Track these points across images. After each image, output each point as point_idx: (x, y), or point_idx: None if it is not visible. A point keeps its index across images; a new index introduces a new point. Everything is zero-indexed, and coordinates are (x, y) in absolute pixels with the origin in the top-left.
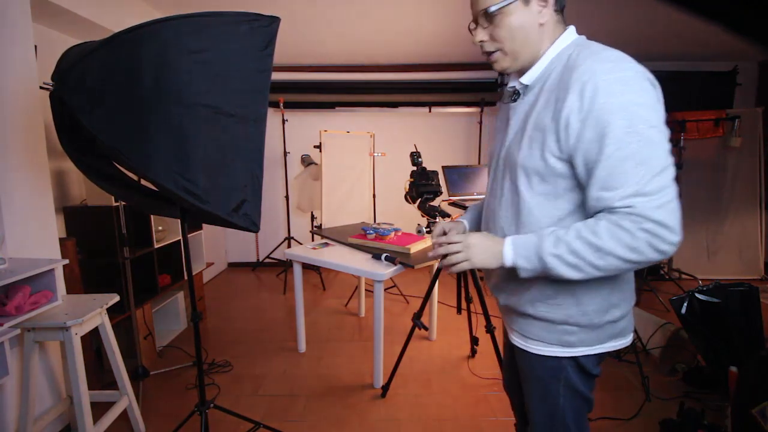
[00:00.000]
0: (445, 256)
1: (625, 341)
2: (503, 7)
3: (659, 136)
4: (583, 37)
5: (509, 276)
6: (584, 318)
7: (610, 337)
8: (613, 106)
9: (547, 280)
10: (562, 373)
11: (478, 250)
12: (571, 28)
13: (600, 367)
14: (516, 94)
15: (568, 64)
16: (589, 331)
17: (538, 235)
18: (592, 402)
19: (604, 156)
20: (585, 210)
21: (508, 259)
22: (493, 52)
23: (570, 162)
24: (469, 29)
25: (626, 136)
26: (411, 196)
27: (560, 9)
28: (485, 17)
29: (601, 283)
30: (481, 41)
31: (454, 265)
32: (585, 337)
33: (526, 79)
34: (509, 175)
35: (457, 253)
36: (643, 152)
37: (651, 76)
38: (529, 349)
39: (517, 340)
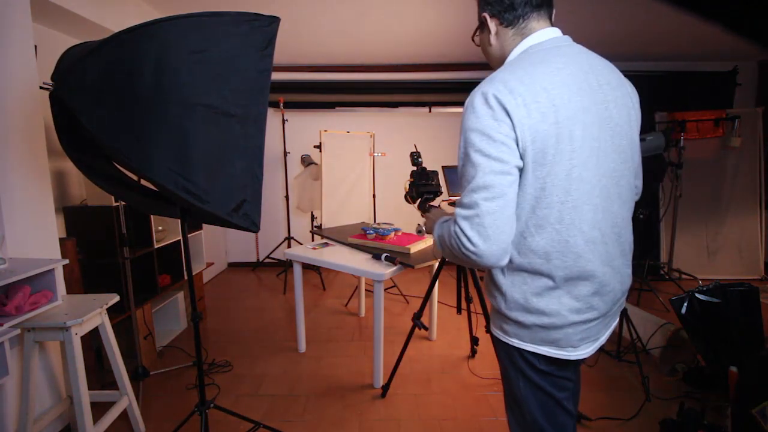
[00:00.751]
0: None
1: (565, 353)
2: (474, 35)
3: (481, 160)
4: (529, 47)
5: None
6: (511, 314)
7: (544, 342)
8: (462, 126)
9: (490, 274)
10: (516, 361)
11: (430, 222)
12: (527, 39)
13: (563, 370)
14: None
15: None
16: (518, 327)
17: (449, 217)
18: (561, 402)
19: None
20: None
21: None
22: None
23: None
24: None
25: (463, 154)
26: (411, 196)
27: (512, 21)
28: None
29: (523, 287)
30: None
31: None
32: (517, 332)
33: None
34: None
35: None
36: (468, 171)
37: (497, 105)
38: (492, 331)
39: (491, 326)
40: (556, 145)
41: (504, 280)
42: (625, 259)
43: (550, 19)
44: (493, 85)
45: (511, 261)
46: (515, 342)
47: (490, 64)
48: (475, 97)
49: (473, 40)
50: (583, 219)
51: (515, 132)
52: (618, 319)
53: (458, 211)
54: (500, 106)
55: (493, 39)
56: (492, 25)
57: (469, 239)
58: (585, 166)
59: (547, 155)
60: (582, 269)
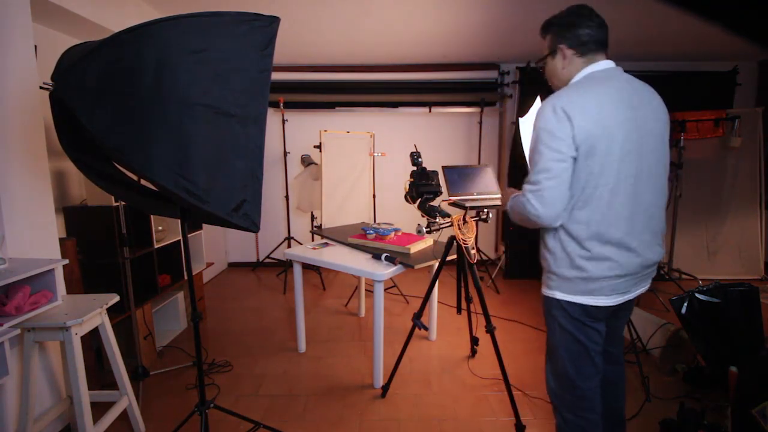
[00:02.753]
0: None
1: (597, 301)
2: (541, 62)
3: (544, 150)
4: (590, 72)
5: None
6: (558, 270)
7: (583, 292)
8: (535, 125)
9: (543, 242)
10: (555, 311)
11: (505, 198)
12: (591, 66)
13: (594, 321)
14: None
15: None
16: (561, 281)
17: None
18: (591, 352)
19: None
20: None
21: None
22: (551, 85)
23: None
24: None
25: (533, 145)
26: (411, 196)
27: (585, 52)
28: (540, 65)
29: (566, 249)
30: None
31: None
32: (560, 284)
33: None
34: None
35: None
36: (534, 158)
37: (561, 113)
38: (542, 291)
39: (542, 287)
40: (603, 144)
41: (554, 244)
42: (655, 238)
43: (606, 53)
44: (560, 99)
45: (563, 228)
46: (557, 294)
47: (552, 81)
48: (547, 107)
49: (538, 64)
50: (617, 200)
51: (573, 131)
52: (650, 283)
53: (527, 186)
54: (564, 113)
55: (566, 64)
56: (568, 54)
57: (533, 206)
58: (623, 161)
59: (595, 150)
60: (613, 236)
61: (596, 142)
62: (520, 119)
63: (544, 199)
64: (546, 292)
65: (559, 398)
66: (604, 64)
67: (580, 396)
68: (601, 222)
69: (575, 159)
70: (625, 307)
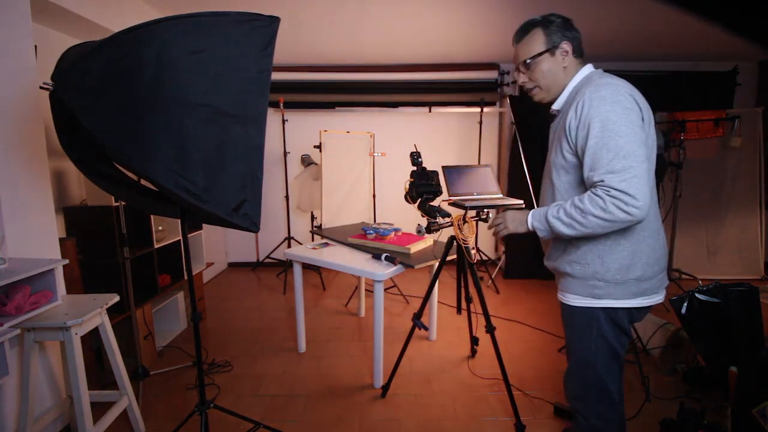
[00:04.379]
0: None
1: (650, 300)
2: (536, 58)
3: (627, 131)
4: (593, 71)
5: (554, 245)
6: (608, 274)
7: (635, 294)
8: (593, 114)
9: (578, 244)
10: (595, 322)
11: (511, 220)
12: (587, 66)
13: (631, 328)
14: (553, 117)
15: (575, 93)
16: (613, 286)
17: (549, 206)
18: (621, 359)
19: (588, 147)
20: None
21: (529, 224)
22: (532, 88)
23: (578, 155)
24: (513, 77)
25: (600, 133)
26: (411, 196)
27: (579, 54)
28: (524, 65)
29: (621, 247)
30: (523, 82)
31: (499, 232)
32: (611, 291)
33: (556, 105)
34: (549, 172)
35: (499, 224)
36: (611, 143)
37: (625, 94)
38: (567, 302)
39: (560, 296)
40: (648, 131)
41: (602, 247)
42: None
43: None
44: (616, 85)
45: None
46: (607, 303)
47: (546, 81)
48: (604, 91)
49: (527, 60)
50: (652, 186)
51: (642, 114)
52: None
53: (610, 177)
54: (631, 98)
55: (567, 62)
56: (569, 50)
57: (631, 196)
58: (652, 149)
59: (649, 139)
60: (658, 225)
61: (649, 130)
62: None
63: (641, 186)
64: (587, 302)
65: (588, 407)
66: (592, 67)
67: (608, 399)
68: (652, 211)
69: None
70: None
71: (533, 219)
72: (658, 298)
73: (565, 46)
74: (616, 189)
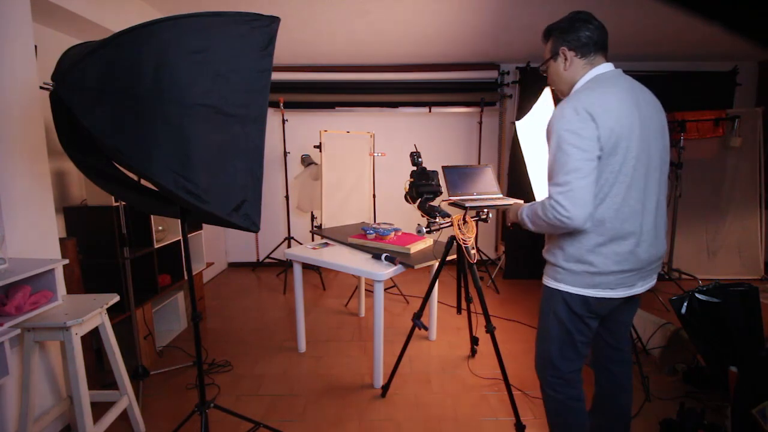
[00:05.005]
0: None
1: (604, 293)
2: (543, 65)
3: (572, 150)
4: (599, 74)
5: (546, 238)
6: (566, 264)
7: (587, 285)
8: (552, 130)
9: (550, 237)
10: (553, 301)
11: (512, 210)
12: (601, 66)
13: (590, 317)
14: None
15: None
16: (569, 274)
17: (530, 203)
18: (577, 345)
19: (548, 159)
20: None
21: (519, 216)
22: (554, 90)
23: None
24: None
25: (555, 148)
26: (411, 196)
27: (584, 54)
28: (543, 70)
29: (579, 244)
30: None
31: (508, 220)
32: (567, 278)
33: None
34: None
35: (507, 211)
36: (561, 159)
37: (583, 112)
38: (543, 282)
39: (543, 278)
40: (622, 142)
41: (567, 239)
42: (660, 233)
43: (606, 56)
44: (580, 101)
45: None
46: (561, 286)
47: (555, 85)
48: (567, 109)
49: (540, 68)
50: (631, 196)
51: (598, 131)
52: (655, 280)
53: (554, 188)
54: (587, 114)
55: (568, 66)
56: (569, 56)
57: (564, 208)
58: (638, 159)
59: (617, 149)
60: (625, 231)
61: (618, 140)
62: (518, 123)
63: (576, 199)
64: (549, 283)
65: (541, 375)
66: (607, 67)
67: (558, 375)
68: (615, 218)
69: (599, 158)
70: (631, 303)
71: (521, 213)
72: (611, 294)
73: (563, 51)
74: (555, 200)
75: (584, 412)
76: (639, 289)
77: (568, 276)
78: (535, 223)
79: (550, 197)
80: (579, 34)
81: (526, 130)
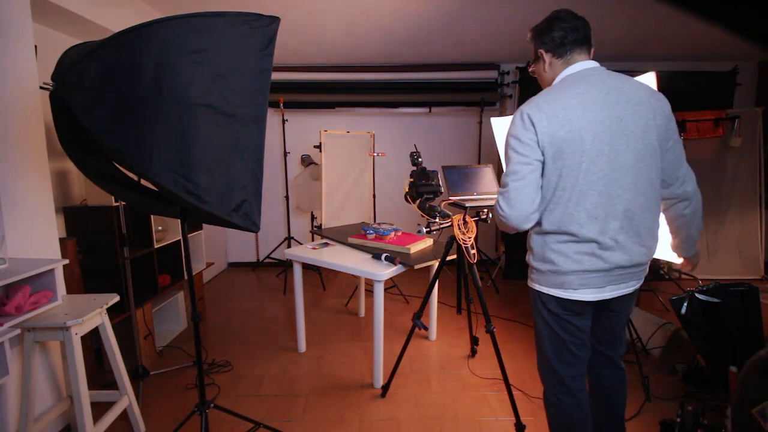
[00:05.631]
0: None
1: (569, 294)
2: (531, 66)
3: (513, 154)
4: (567, 76)
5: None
6: (535, 263)
7: (554, 285)
8: (507, 133)
9: (528, 237)
10: (535, 302)
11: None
12: (573, 66)
13: (569, 315)
14: None
15: None
16: (539, 274)
17: None
18: (568, 343)
19: None
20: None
21: None
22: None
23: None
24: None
25: (504, 151)
26: (411, 196)
27: (561, 54)
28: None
29: (540, 244)
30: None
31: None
32: (539, 278)
33: None
34: None
35: None
36: (506, 162)
37: (526, 118)
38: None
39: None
40: (569, 147)
41: (534, 240)
42: (638, 238)
43: (589, 52)
44: (528, 106)
45: (539, 225)
46: (536, 286)
47: (542, 85)
48: (516, 114)
49: (528, 68)
50: (587, 200)
51: (537, 137)
52: (634, 287)
53: (499, 189)
54: (529, 120)
55: (547, 68)
56: (546, 57)
57: (501, 207)
58: (593, 162)
59: (562, 153)
60: (583, 236)
61: (561, 145)
62: (493, 119)
63: (510, 201)
64: (529, 283)
65: (543, 380)
66: (579, 66)
67: (558, 380)
68: (570, 222)
69: (543, 162)
70: (614, 308)
71: None
72: (577, 295)
73: (541, 54)
74: (497, 200)
75: (586, 419)
76: (609, 293)
77: (539, 275)
78: (495, 217)
79: (497, 197)
80: (552, 34)
81: (503, 129)
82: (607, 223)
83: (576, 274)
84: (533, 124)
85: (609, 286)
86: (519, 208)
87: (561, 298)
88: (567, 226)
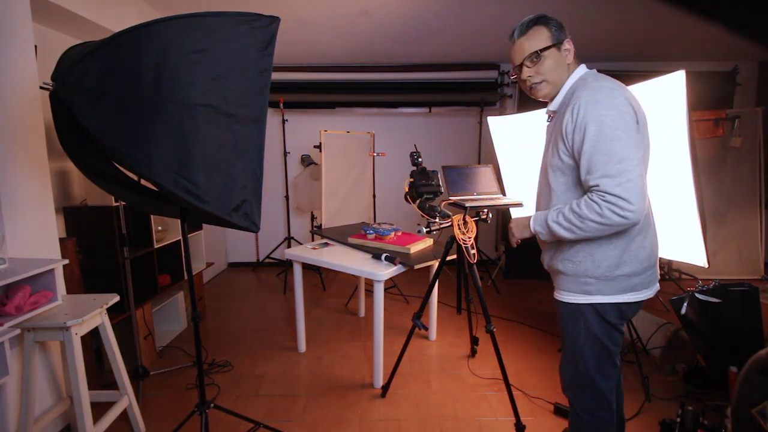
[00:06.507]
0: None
1: (640, 296)
2: (545, 51)
3: (622, 135)
4: (586, 72)
5: (550, 246)
6: (598, 271)
7: (625, 289)
8: (588, 117)
9: (570, 244)
10: (582, 317)
11: (515, 226)
12: (581, 67)
13: (622, 324)
14: (550, 117)
15: (571, 94)
16: (604, 282)
17: (549, 210)
18: (613, 357)
19: (584, 151)
20: None
21: (531, 228)
22: (539, 83)
23: (575, 158)
24: (512, 75)
25: (596, 137)
26: (411, 196)
27: (575, 55)
28: (533, 58)
29: (612, 246)
30: (528, 76)
31: (512, 242)
32: (601, 288)
33: (552, 106)
34: (544, 174)
35: (510, 233)
36: (606, 147)
37: (621, 97)
38: (560, 298)
39: (556, 293)
40: (645, 132)
41: (593, 245)
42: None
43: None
44: (612, 87)
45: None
46: (596, 299)
47: (553, 76)
48: (600, 94)
49: (542, 52)
50: (645, 187)
51: (637, 118)
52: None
53: (605, 182)
54: (625, 100)
55: (569, 60)
56: (571, 51)
57: (626, 200)
58: (647, 152)
59: (644, 138)
60: (646, 224)
61: (644, 130)
62: (490, 119)
63: (633, 190)
64: (576, 298)
65: (578, 399)
66: (586, 67)
67: (599, 397)
68: (643, 209)
69: None
70: None
71: (535, 223)
72: (648, 294)
73: (568, 44)
74: (610, 194)
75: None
76: (656, 286)
77: (603, 285)
78: (575, 228)
79: (602, 193)
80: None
81: (502, 129)
82: (649, 205)
83: (646, 272)
84: (631, 105)
85: (655, 278)
86: (642, 197)
87: (629, 303)
88: (647, 217)
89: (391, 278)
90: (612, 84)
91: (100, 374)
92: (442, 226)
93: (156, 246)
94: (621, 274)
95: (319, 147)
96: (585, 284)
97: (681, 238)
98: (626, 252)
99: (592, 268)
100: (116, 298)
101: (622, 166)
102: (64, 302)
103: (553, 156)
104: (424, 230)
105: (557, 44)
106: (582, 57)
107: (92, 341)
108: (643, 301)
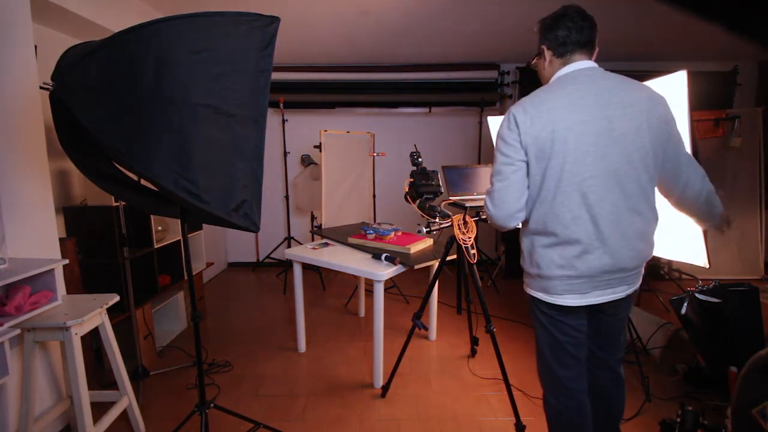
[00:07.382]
0: None
1: (551, 298)
2: (532, 62)
3: (498, 155)
4: (560, 77)
5: None
6: (525, 266)
7: (540, 289)
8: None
9: (520, 241)
10: (530, 304)
11: None
12: (568, 66)
13: (566, 317)
14: None
15: None
16: (528, 277)
17: None
18: (566, 344)
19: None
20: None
21: None
22: None
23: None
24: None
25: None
26: (411, 196)
27: (562, 54)
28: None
29: (531, 244)
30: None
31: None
32: (528, 281)
33: None
34: None
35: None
36: (494, 161)
37: (511, 120)
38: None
39: None
40: (551, 147)
41: (523, 242)
42: (624, 241)
43: (591, 54)
44: (515, 108)
45: (526, 224)
46: (528, 290)
47: (542, 81)
48: (505, 115)
49: (530, 63)
50: (572, 201)
51: (520, 138)
52: (625, 292)
53: (488, 188)
54: (514, 121)
55: (547, 65)
56: (547, 55)
57: (486, 206)
58: (577, 163)
59: (545, 153)
60: (568, 237)
61: (544, 145)
62: (489, 118)
63: (494, 200)
64: (524, 287)
65: (543, 382)
66: (574, 66)
67: (558, 382)
68: (554, 222)
69: (527, 162)
70: (607, 311)
71: None
72: (563, 300)
73: (543, 50)
74: (485, 198)
75: (586, 421)
76: (594, 299)
77: (529, 279)
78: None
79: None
80: (557, 32)
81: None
82: (592, 224)
83: (559, 279)
84: (517, 125)
85: (594, 291)
86: (502, 207)
87: (553, 304)
88: (552, 226)
89: (391, 278)
90: (528, 100)
91: (100, 374)
92: (442, 226)
93: (156, 246)
94: (535, 273)
95: (319, 147)
96: (524, 276)
97: (681, 238)
98: (532, 255)
99: (524, 263)
100: (116, 298)
101: (494, 179)
102: (64, 302)
103: None
104: (424, 230)
105: (539, 53)
106: None
107: (92, 341)
108: (562, 306)
